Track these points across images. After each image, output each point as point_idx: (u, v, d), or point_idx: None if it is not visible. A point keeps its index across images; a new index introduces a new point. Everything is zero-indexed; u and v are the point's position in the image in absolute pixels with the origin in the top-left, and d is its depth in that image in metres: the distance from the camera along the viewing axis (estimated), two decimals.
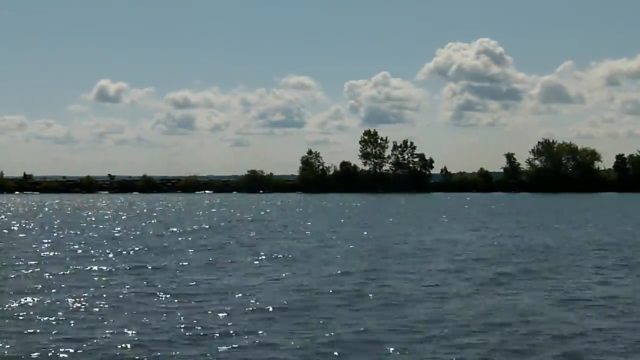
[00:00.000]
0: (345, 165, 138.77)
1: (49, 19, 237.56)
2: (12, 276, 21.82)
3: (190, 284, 20.46)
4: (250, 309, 16.64)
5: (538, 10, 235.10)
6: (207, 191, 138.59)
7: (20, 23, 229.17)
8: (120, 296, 18.33)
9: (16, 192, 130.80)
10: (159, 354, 12.62)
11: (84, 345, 13.11)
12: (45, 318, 15.45)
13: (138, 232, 40.37)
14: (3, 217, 56.58)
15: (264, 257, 27.28)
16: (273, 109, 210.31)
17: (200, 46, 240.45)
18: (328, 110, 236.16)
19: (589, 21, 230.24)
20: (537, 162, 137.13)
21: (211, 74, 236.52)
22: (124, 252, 28.94)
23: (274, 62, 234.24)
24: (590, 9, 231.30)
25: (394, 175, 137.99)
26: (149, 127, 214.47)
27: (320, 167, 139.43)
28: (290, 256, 27.53)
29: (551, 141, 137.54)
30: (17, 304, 17.00)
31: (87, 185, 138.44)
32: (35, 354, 12.56)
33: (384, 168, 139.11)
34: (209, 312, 16.28)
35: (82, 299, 17.73)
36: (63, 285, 19.95)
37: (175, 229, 42.47)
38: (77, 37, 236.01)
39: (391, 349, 13.00)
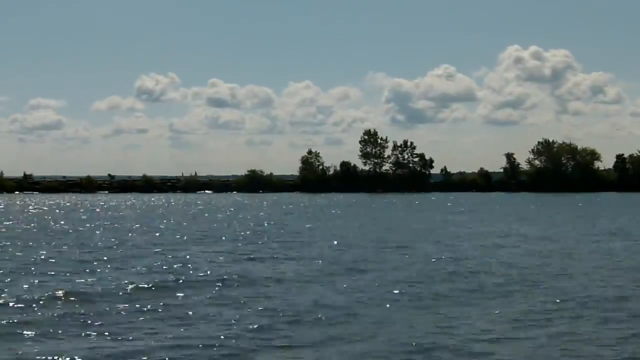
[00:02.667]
0: (345, 165, 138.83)
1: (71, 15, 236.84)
2: None
3: None
4: None
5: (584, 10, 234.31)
6: (207, 191, 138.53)
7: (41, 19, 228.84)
8: None
9: (16, 192, 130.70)
10: None
11: None
12: None
13: None
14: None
15: None
16: (305, 110, 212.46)
17: (237, 46, 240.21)
18: (359, 109, 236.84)
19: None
20: (537, 162, 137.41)
21: (246, 74, 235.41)
22: None
23: (322, 64, 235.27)
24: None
25: (394, 175, 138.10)
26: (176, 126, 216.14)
27: (320, 167, 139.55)
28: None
29: (551, 141, 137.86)
30: None
31: (87, 185, 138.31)
32: None
33: (384, 168, 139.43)
34: None
35: None
36: None
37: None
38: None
39: None
